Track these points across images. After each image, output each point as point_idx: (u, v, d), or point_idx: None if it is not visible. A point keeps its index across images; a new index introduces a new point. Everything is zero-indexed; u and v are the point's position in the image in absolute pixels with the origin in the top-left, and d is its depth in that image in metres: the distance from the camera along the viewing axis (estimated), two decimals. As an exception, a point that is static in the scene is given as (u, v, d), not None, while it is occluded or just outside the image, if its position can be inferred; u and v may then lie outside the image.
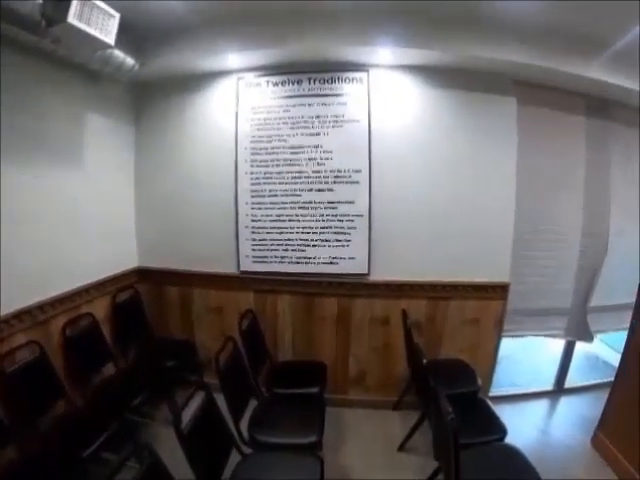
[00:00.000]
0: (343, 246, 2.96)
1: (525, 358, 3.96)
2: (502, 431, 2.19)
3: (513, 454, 1.97)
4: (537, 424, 3.11)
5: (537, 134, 3.00)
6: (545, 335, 3.34)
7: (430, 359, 2.87)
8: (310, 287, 3.01)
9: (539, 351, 3.85)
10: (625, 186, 3.28)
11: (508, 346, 3.90)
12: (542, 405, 3.39)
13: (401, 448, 2.70)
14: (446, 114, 2.86)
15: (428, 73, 2.80)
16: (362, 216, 2.92)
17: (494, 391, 3.35)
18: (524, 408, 3.31)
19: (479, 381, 2.68)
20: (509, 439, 2.36)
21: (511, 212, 2.96)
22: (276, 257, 3.03)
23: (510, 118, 2.88)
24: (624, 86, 2.83)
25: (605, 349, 3.98)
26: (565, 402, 3.45)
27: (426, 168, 2.89)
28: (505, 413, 3.04)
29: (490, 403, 2.51)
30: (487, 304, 3.03)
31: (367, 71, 2.83)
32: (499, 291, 3.02)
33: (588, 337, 3.33)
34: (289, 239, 3.00)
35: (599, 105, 3.12)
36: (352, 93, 2.86)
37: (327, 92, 2.88)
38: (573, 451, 2.82)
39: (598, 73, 2.72)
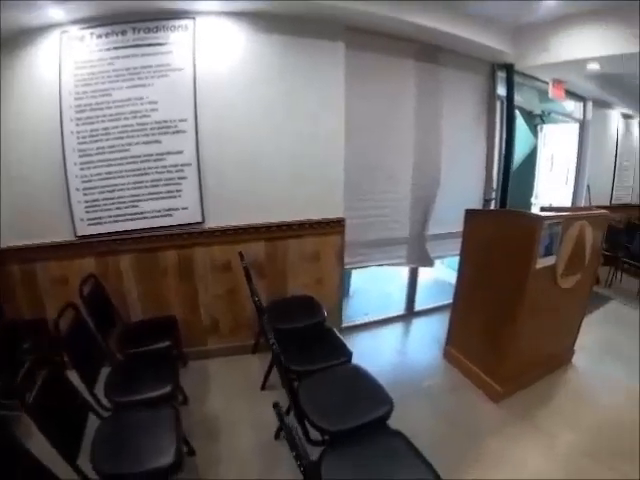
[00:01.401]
0: (175, 197, 2.93)
1: (378, 288, 4.27)
2: (347, 354, 2.37)
3: (357, 373, 2.17)
4: (394, 346, 3.44)
5: (367, 78, 3.13)
6: (388, 264, 3.58)
7: (277, 297, 3.10)
8: (148, 242, 2.97)
9: (391, 281, 4.15)
10: (454, 123, 3.60)
11: (361, 279, 4.24)
12: (397, 329, 3.73)
13: (263, 387, 2.84)
14: (273, 60, 2.86)
15: (256, 20, 2.75)
16: (191, 165, 2.90)
17: (348, 321, 3.62)
18: (381, 333, 3.61)
19: (324, 312, 2.86)
20: (369, 363, 2.63)
21: (340, 152, 3.08)
22: (110, 217, 2.93)
23: (338, 63, 2.96)
24: (453, 33, 3.03)
25: (452, 273, 4.44)
26: (417, 323, 3.82)
27: (254, 113, 2.89)
28: (363, 340, 3.48)
29: (336, 331, 2.68)
30: (325, 240, 3.18)
31: (193, 18, 2.73)
32: (335, 226, 3.17)
33: (429, 263, 3.63)
34: (121, 196, 2.91)
35: (429, 51, 3.34)
36: (177, 41, 2.76)
37: (152, 42, 2.76)
38: (428, 364, 3.19)
39: (428, 20, 2.87)
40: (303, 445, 1.24)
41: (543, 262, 2.50)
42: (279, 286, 3.21)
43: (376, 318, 3.75)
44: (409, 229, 3.55)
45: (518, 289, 2.51)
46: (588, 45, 3.25)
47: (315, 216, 3.12)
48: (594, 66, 3.65)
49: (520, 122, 6.03)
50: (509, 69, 3.81)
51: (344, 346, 2.45)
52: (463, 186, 3.83)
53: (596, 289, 5.02)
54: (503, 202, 4.00)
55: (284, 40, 2.85)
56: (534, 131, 5.76)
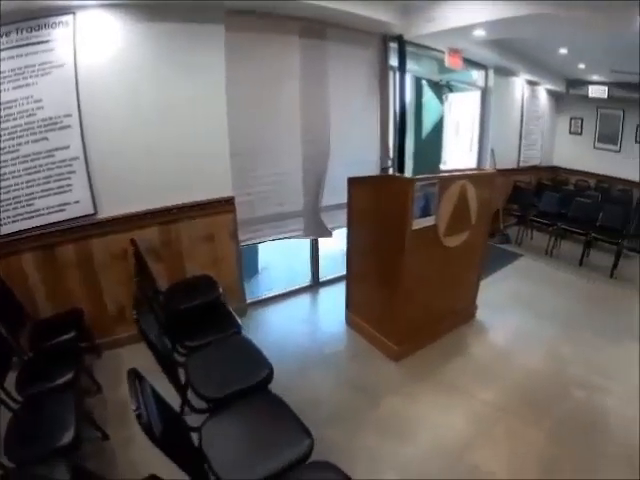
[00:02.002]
0: (66, 192, 2.87)
1: (287, 263, 4.38)
2: (237, 327, 2.43)
3: (243, 343, 2.22)
4: (300, 317, 3.53)
5: (250, 58, 3.13)
6: (286, 237, 3.64)
7: (177, 280, 3.06)
8: (46, 239, 2.90)
9: (300, 254, 4.19)
10: (346, 96, 3.65)
11: (270, 255, 4.36)
12: (304, 300, 3.83)
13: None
14: (154, 49, 2.83)
15: (135, 10, 2.72)
16: (78, 158, 2.84)
17: (255, 297, 3.70)
18: (287, 306, 3.70)
19: (220, 289, 2.85)
20: (277, 335, 3.01)
21: (224, 132, 3.08)
22: (9, 217, 2.82)
23: (218, 46, 2.95)
24: (337, 8, 3.05)
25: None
26: (323, 293, 3.94)
27: (138, 102, 2.86)
28: (270, 313, 3.56)
29: (229, 306, 2.71)
30: (216, 219, 3.20)
31: (73, 13, 2.67)
32: (225, 205, 3.19)
33: (326, 233, 3.72)
34: (17, 196, 2.81)
35: (314, 27, 3.35)
36: (59, 38, 2.69)
37: (34, 40, 2.67)
38: (332, 332, 3.29)
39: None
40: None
41: (420, 223, 2.58)
42: (177, 269, 3.20)
43: (283, 291, 3.83)
44: (303, 202, 3.62)
45: (398, 251, 2.61)
46: (472, 12, 3.35)
47: (205, 197, 3.13)
48: (480, 32, 3.74)
49: (429, 93, 6.19)
50: (400, 40, 3.87)
51: (234, 319, 2.51)
52: (359, 156, 3.91)
53: (509, 247, 5.32)
54: (400, 170, 4.11)
55: (165, 28, 2.82)
56: (442, 101, 5.89)
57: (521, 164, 6.14)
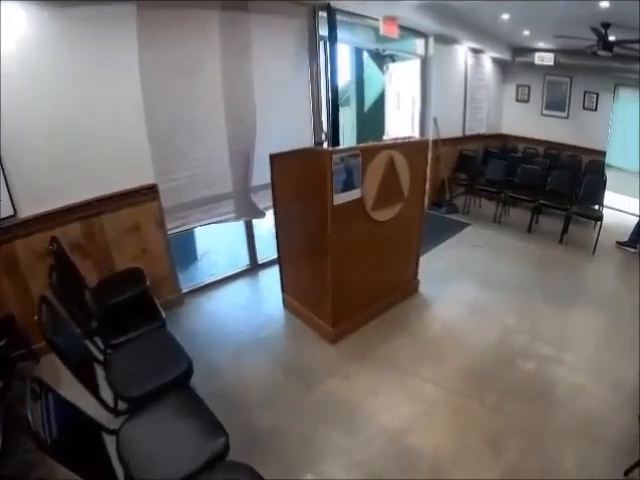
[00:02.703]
0: None
1: (228, 247, 4.25)
2: (161, 320, 2.34)
3: (165, 337, 2.13)
4: (237, 302, 3.42)
5: (166, 37, 2.93)
6: (217, 222, 3.50)
7: (106, 275, 2.93)
8: None
9: (240, 237, 4.04)
10: (273, 70, 3.50)
11: (211, 240, 4.23)
12: (243, 284, 3.73)
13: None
14: (62, 35, 2.58)
15: None
16: None
17: (193, 284, 3.59)
18: (225, 291, 3.59)
19: (147, 282, 2.72)
20: (215, 322, 2.99)
21: (140, 117, 2.89)
22: None
23: (129, 25, 2.75)
24: None
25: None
26: (263, 276, 3.85)
27: (48, 94, 2.62)
28: (210, 300, 3.43)
29: (157, 301, 2.59)
30: (141, 209, 3.04)
31: None
32: (148, 193, 3.02)
33: (259, 214, 3.61)
34: None
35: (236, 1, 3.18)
36: None
37: None
38: (269, 315, 3.22)
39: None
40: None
41: (343, 197, 2.47)
42: (106, 263, 3.04)
43: (222, 276, 3.73)
44: (232, 183, 3.48)
45: (322, 228, 2.51)
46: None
47: (126, 186, 2.96)
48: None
49: (371, 65, 6.06)
50: (329, 9, 3.71)
51: (158, 313, 2.42)
52: (291, 132, 3.77)
53: (456, 217, 5.32)
54: (335, 143, 3.99)
55: (71, 13, 2.57)
56: (384, 71, 5.78)
57: (467, 132, 6.12)
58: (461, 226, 5.09)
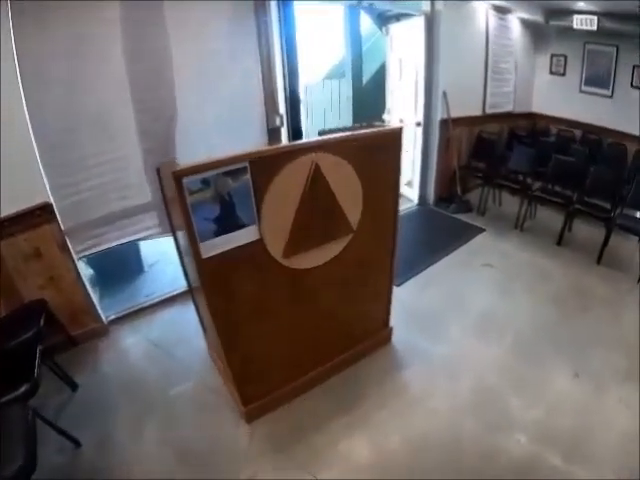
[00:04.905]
0: None
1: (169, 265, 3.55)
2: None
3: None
4: (162, 339, 2.81)
5: (50, 19, 2.30)
6: (139, 239, 2.95)
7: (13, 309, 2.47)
8: None
9: None
10: (195, 42, 2.75)
11: (162, 247, 3.45)
12: (179, 309, 3.07)
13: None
14: None
15: None
16: None
17: (130, 306, 3.07)
18: (159, 319, 3.00)
19: (41, 321, 2.29)
20: (124, 370, 2.46)
21: (24, 125, 2.30)
22: None
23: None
24: None
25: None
26: None
27: None
28: (134, 332, 2.88)
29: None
30: (36, 233, 2.50)
31: None
32: (42, 214, 2.47)
33: None
34: None
35: None
36: None
37: None
38: (189, 361, 2.60)
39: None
40: None
41: (222, 245, 1.63)
42: (11, 295, 2.55)
43: (157, 299, 3.16)
44: (150, 191, 2.80)
45: (202, 286, 1.73)
46: None
47: (18, 208, 2.40)
48: None
49: (370, 28, 5.07)
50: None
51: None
52: (234, 118, 3.03)
53: (468, 218, 4.36)
54: (296, 129, 3.20)
55: None
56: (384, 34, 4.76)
57: (488, 110, 4.95)
58: (472, 232, 4.13)
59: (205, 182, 1.51)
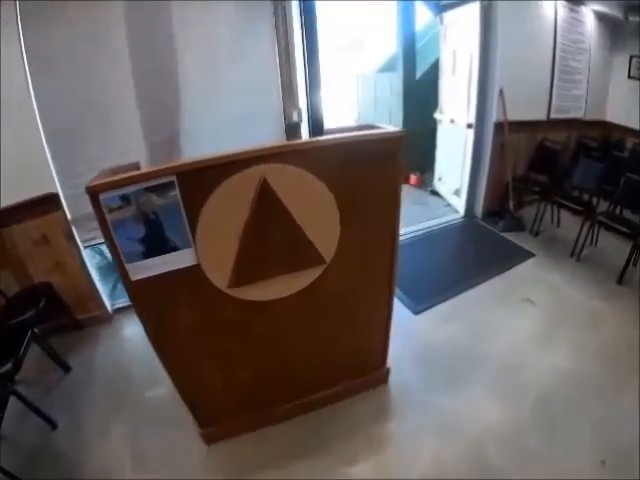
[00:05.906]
0: None
1: None
2: None
3: None
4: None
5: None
6: None
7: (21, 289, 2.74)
8: None
9: None
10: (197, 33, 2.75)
11: None
12: None
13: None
14: None
15: None
16: None
17: (125, 301, 3.10)
18: None
19: (40, 304, 2.53)
20: (115, 361, 2.54)
21: (32, 115, 2.45)
22: None
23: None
24: None
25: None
26: None
27: None
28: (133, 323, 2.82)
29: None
30: (44, 220, 2.67)
31: None
32: (47, 204, 2.63)
33: None
34: None
35: None
36: None
37: None
38: None
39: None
40: None
41: (150, 268, 1.47)
42: (21, 276, 2.79)
43: None
44: None
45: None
46: None
47: (26, 196, 2.57)
48: None
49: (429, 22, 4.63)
50: None
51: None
52: (247, 111, 2.97)
53: (518, 239, 3.83)
54: (316, 125, 2.87)
55: None
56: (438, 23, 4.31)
57: (553, 115, 4.30)
58: (519, 256, 3.61)
59: (125, 198, 1.37)
